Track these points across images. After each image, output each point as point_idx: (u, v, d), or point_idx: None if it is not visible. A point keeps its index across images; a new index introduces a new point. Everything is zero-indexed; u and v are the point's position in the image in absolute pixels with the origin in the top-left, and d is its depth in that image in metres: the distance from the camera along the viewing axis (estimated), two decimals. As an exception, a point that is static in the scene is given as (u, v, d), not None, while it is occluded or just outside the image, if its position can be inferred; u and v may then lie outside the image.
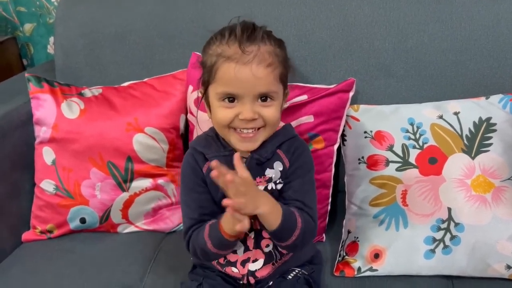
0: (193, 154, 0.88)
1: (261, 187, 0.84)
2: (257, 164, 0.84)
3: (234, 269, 0.89)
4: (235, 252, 0.88)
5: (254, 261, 0.88)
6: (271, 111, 0.79)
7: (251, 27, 0.79)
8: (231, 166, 0.80)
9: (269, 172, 0.85)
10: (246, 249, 0.88)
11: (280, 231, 0.78)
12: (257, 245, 0.87)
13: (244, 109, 0.77)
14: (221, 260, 0.89)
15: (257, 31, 0.78)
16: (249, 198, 0.73)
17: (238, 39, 0.76)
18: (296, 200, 0.84)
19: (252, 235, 0.87)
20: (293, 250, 0.86)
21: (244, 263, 0.88)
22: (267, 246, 0.88)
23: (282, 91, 0.83)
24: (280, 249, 0.88)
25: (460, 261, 0.92)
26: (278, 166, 0.85)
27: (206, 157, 0.86)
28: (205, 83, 0.81)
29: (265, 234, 0.87)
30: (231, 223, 0.75)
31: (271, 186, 0.85)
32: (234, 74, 0.75)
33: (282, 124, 0.91)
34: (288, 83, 1.05)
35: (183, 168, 0.89)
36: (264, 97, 0.78)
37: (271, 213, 0.77)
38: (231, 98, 0.78)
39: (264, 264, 0.88)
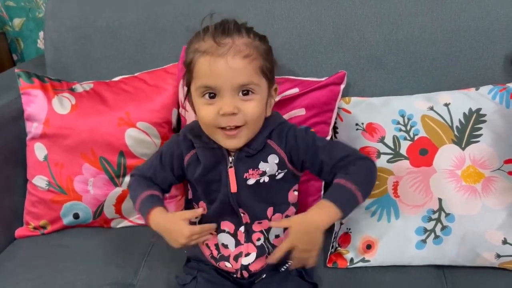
0: (179, 142, 0.88)
1: (253, 180, 0.83)
2: (247, 156, 0.83)
3: (228, 264, 0.89)
4: (226, 246, 0.88)
5: (246, 255, 0.88)
6: (251, 106, 0.76)
7: (228, 22, 0.77)
8: (217, 158, 0.84)
9: (263, 166, 0.83)
10: (238, 243, 0.88)
11: (348, 210, 0.78)
12: (248, 239, 0.88)
13: (224, 103, 0.75)
14: (215, 254, 0.90)
15: (234, 25, 0.77)
16: (309, 244, 0.76)
17: (211, 33, 0.75)
18: (335, 164, 0.81)
19: (242, 229, 0.87)
20: (372, 189, 0.84)
21: (237, 258, 0.88)
22: (258, 239, 0.88)
23: (266, 85, 0.80)
24: (271, 242, 0.89)
25: (451, 250, 0.94)
26: (273, 159, 0.84)
27: (194, 145, 0.86)
28: (188, 82, 0.81)
29: (255, 227, 0.87)
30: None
31: (263, 179, 0.83)
32: (210, 67, 0.74)
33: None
34: (280, 76, 1.06)
35: (167, 145, 0.91)
36: (245, 91, 0.76)
37: (331, 218, 0.76)
38: (211, 94, 0.76)
39: (257, 257, 0.88)
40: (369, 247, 0.97)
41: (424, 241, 0.94)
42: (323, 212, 0.76)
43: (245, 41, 0.76)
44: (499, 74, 1.07)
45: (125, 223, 1.15)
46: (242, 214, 0.86)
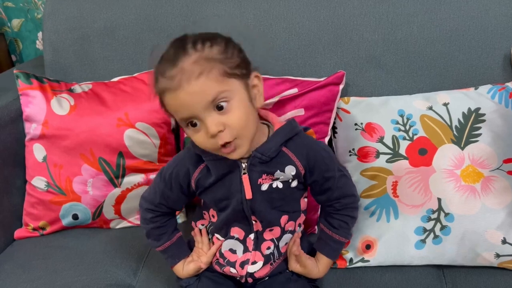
0: (184, 160, 0.86)
1: (266, 185, 0.81)
2: (261, 162, 0.80)
3: (233, 270, 0.88)
4: (234, 252, 0.88)
5: (253, 263, 0.87)
6: (233, 116, 0.72)
7: (171, 47, 0.74)
8: (229, 167, 0.81)
9: (278, 174, 0.81)
10: (246, 249, 0.87)
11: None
12: (257, 247, 0.87)
13: (207, 126, 0.71)
14: (221, 261, 0.89)
15: (176, 48, 0.73)
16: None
17: (159, 71, 0.72)
18: (337, 199, 0.87)
19: (252, 236, 0.86)
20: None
21: (243, 264, 0.87)
22: (268, 248, 0.87)
23: (239, 83, 0.74)
24: (280, 249, 0.88)
25: (450, 250, 0.94)
26: (290, 170, 0.81)
27: (204, 159, 0.83)
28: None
29: (266, 235, 0.86)
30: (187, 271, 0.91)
31: (276, 184, 0.82)
32: (174, 102, 0.71)
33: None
34: (279, 77, 1.06)
35: (171, 166, 0.87)
36: (218, 105, 0.71)
37: (328, 269, 0.92)
38: (193, 122, 0.73)
39: (263, 265, 0.87)
40: (368, 247, 0.97)
41: (423, 241, 0.94)
42: (325, 268, 0.91)
43: (193, 59, 0.70)
44: (498, 74, 1.07)
45: (124, 224, 1.14)
46: (254, 222, 0.84)
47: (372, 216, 0.98)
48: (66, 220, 1.12)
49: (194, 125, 0.73)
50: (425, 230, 0.94)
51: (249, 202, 0.82)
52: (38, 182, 1.10)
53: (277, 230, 0.86)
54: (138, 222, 1.13)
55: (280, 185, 0.82)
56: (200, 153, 0.82)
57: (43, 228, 1.13)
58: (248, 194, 0.81)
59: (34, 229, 1.13)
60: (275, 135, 0.81)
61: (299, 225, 0.91)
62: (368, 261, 0.97)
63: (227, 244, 0.88)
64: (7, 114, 1.13)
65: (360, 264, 0.97)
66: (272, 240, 0.87)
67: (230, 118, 0.72)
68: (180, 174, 0.85)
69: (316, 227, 1.08)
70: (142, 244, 1.07)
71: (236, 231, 0.87)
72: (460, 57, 1.08)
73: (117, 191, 1.10)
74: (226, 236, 0.88)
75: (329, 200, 0.87)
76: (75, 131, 1.07)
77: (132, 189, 1.10)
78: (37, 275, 1.00)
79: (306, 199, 0.90)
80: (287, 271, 0.90)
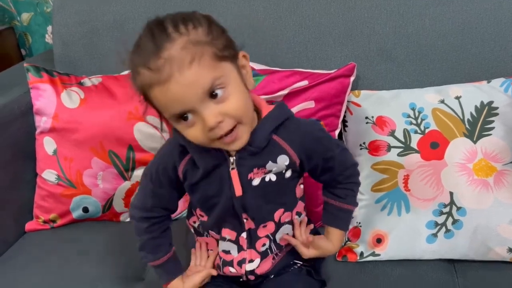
0: (169, 152, 0.79)
1: (258, 179, 0.75)
2: (251, 154, 0.73)
3: (232, 269, 0.84)
4: (229, 252, 0.84)
5: (250, 261, 0.83)
6: (231, 103, 0.65)
7: (148, 33, 0.65)
8: (216, 161, 0.75)
9: (271, 166, 0.75)
10: (240, 249, 0.83)
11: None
12: (251, 245, 0.82)
13: (204, 119, 0.64)
14: (218, 261, 0.86)
15: (158, 32, 0.63)
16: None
17: (142, 63, 0.63)
18: (340, 173, 0.82)
19: (244, 234, 0.81)
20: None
21: (240, 263, 0.84)
22: (263, 245, 0.83)
23: (231, 65, 0.67)
24: (278, 241, 0.84)
25: (462, 244, 0.93)
26: (283, 160, 0.75)
27: (188, 150, 0.75)
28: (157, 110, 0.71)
29: (260, 232, 0.81)
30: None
31: (269, 177, 0.76)
32: (165, 97, 0.63)
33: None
34: (289, 69, 1.06)
35: (156, 162, 0.81)
36: (213, 92, 0.64)
37: (342, 242, 0.89)
38: (184, 116, 0.65)
39: (261, 261, 0.84)
40: (379, 241, 0.96)
41: (435, 235, 0.94)
42: (339, 242, 0.87)
43: (180, 44, 0.62)
44: (511, 67, 1.06)
45: (134, 217, 1.15)
46: (245, 220, 0.79)
47: (383, 209, 0.97)
48: (77, 213, 1.12)
49: (186, 118, 0.66)
50: (436, 224, 0.94)
51: (240, 200, 0.76)
52: (49, 175, 1.11)
53: (271, 226, 0.81)
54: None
55: (274, 178, 0.76)
56: (186, 144, 0.75)
57: (53, 221, 1.13)
58: (238, 191, 0.75)
59: (44, 221, 1.14)
60: (264, 122, 0.74)
61: (298, 214, 0.85)
62: (379, 255, 0.96)
63: (221, 246, 0.85)
64: (17, 108, 1.14)
65: (370, 258, 0.97)
66: (267, 236, 0.83)
67: (228, 106, 0.65)
68: (168, 167, 0.79)
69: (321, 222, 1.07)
70: (152, 237, 1.08)
71: (227, 232, 0.82)
72: (473, 50, 1.07)
73: (127, 184, 1.10)
74: (219, 233, 0.84)
75: (332, 178, 0.83)
76: (85, 124, 1.08)
77: (142, 182, 1.10)
78: (48, 267, 1.01)
79: (302, 186, 0.84)
80: (296, 266, 0.87)
